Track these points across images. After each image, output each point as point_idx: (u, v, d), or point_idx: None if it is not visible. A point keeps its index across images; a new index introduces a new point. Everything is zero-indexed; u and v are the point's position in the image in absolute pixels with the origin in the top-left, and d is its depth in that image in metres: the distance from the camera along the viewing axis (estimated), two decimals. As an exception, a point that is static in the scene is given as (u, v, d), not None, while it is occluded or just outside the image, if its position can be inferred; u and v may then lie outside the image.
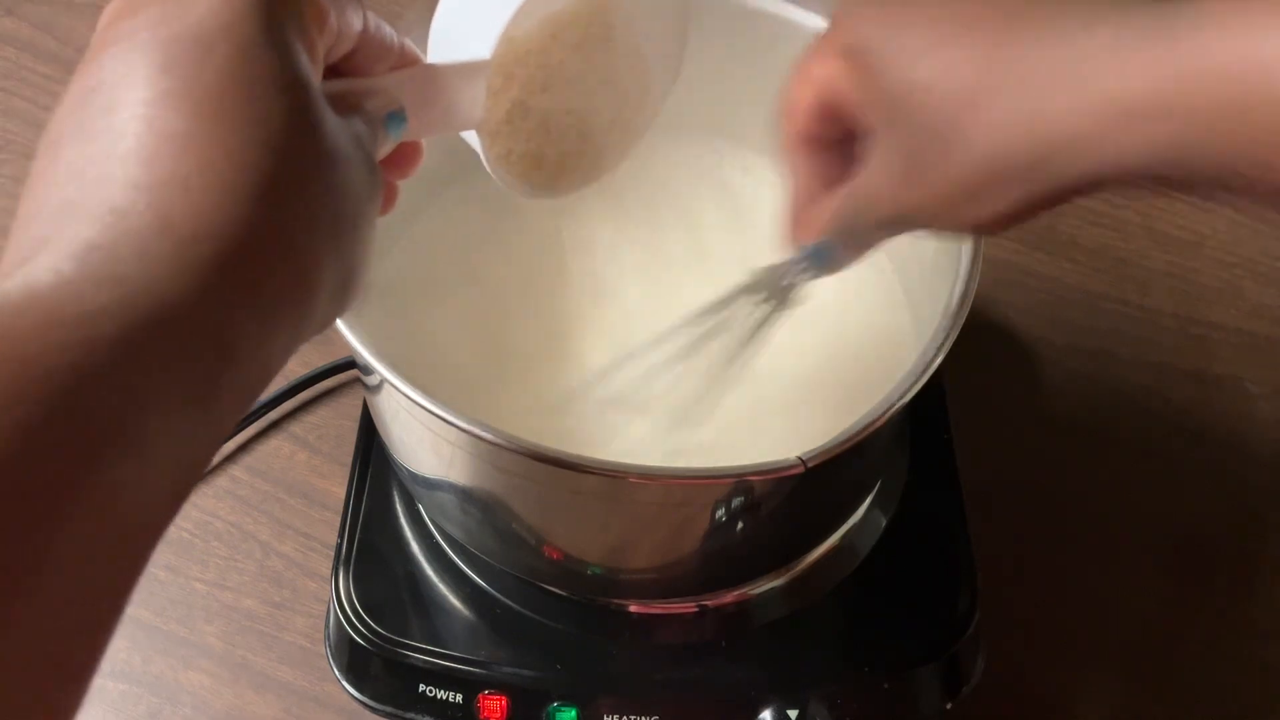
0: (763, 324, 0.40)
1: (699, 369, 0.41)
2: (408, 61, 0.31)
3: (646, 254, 0.53)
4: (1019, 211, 0.29)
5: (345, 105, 0.27)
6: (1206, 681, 0.53)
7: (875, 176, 0.32)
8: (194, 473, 0.22)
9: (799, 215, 0.36)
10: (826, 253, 0.36)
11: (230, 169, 0.22)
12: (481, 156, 0.37)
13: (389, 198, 0.32)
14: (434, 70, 0.33)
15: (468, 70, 0.34)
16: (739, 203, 0.55)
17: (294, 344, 0.24)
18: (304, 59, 0.25)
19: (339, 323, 0.37)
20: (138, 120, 0.22)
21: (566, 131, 0.40)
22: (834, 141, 0.34)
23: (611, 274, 0.52)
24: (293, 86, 0.24)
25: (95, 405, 0.19)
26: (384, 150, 0.29)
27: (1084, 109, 0.26)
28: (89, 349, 0.19)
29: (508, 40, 0.35)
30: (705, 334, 0.41)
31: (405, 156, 0.33)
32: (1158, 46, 0.25)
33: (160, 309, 0.20)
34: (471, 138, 0.37)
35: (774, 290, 0.39)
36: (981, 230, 0.31)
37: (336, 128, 0.25)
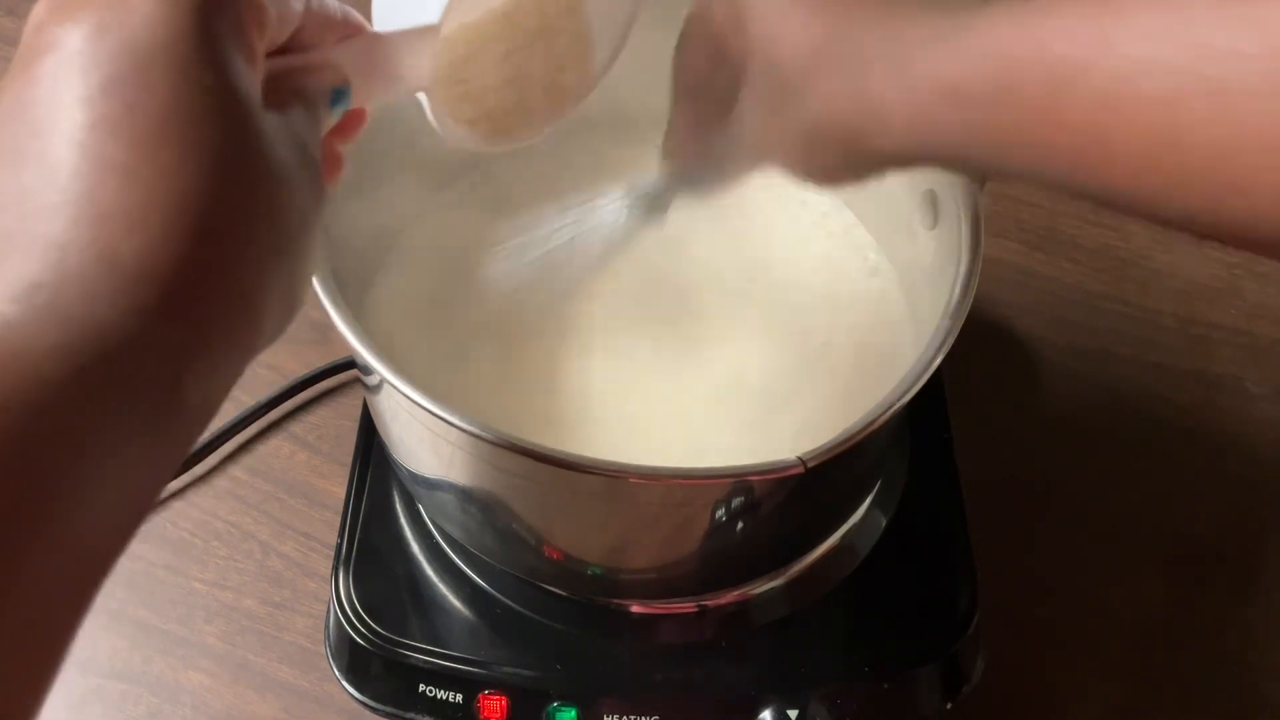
0: (628, 224, 0.44)
1: (578, 255, 0.45)
2: (353, 31, 0.30)
3: (646, 252, 0.53)
4: (844, 170, 0.34)
5: (286, 90, 0.26)
6: (1206, 682, 0.53)
7: (744, 115, 0.35)
8: (144, 506, 0.22)
9: (676, 141, 0.40)
10: (695, 177, 0.41)
11: (174, 203, 0.21)
12: (428, 113, 0.38)
13: (333, 168, 0.32)
14: (379, 39, 0.32)
15: (414, 36, 0.34)
16: (737, 204, 0.54)
17: (242, 366, 0.24)
18: (243, 72, 0.24)
19: (339, 323, 0.37)
20: (76, 148, 0.21)
21: (503, 95, 0.42)
22: (715, 84, 0.37)
23: (612, 274, 0.52)
24: (233, 108, 0.23)
25: (46, 450, 0.19)
26: (326, 127, 0.29)
27: (893, 91, 0.30)
28: (38, 391, 0.19)
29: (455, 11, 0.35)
30: (583, 226, 0.45)
31: (349, 123, 0.32)
32: (960, 37, 0.28)
33: (108, 351, 0.20)
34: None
35: (648, 198, 0.43)
36: (822, 180, 0.35)
37: (277, 137, 0.25)
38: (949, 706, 0.47)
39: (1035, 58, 0.26)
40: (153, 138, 0.21)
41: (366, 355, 0.37)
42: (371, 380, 0.42)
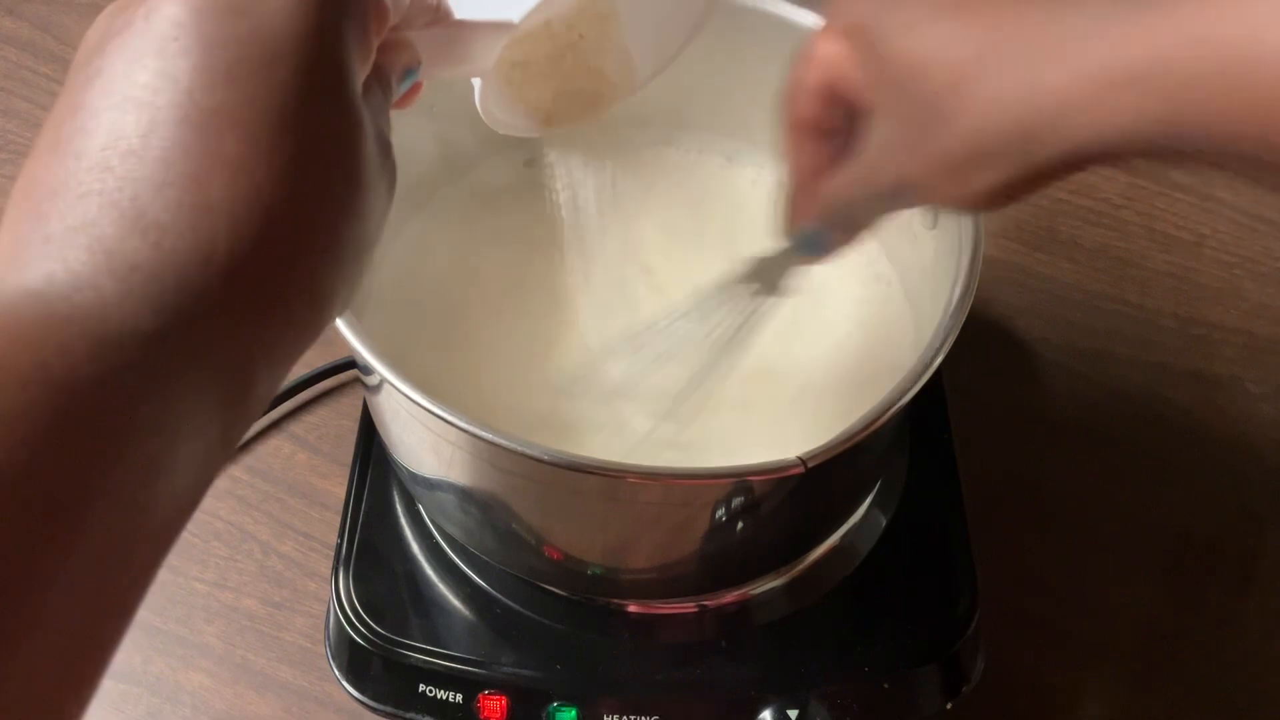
0: (755, 314, 0.40)
1: (693, 360, 0.42)
2: (442, 19, 0.31)
3: (647, 252, 0.53)
4: (1013, 184, 0.30)
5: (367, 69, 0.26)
6: (1206, 681, 0.53)
7: (875, 151, 0.32)
8: (207, 484, 0.22)
9: (795, 201, 0.37)
10: (819, 238, 0.37)
11: (279, 205, 0.21)
12: (477, 96, 0.39)
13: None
14: (461, 26, 0.33)
15: (492, 28, 0.35)
16: (748, 209, 0.55)
17: (305, 349, 0.24)
18: (359, 74, 0.24)
19: (339, 323, 0.37)
20: (192, 130, 0.21)
21: (546, 88, 0.43)
22: (832, 129, 0.35)
23: (611, 273, 0.52)
24: (349, 115, 0.23)
25: (130, 425, 0.19)
26: (390, 102, 0.29)
27: (1073, 80, 0.27)
28: (126, 372, 0.19)
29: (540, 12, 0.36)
30: (699, 325, 0.41)
31: (406, 96, 0.31)
32: (1144, 19, 0.26)
33: (193, 342, 0.20)
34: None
35: (766, 279, 0.39)
36: (978, 204, 0.31)
37: (370, 139, 0.24)
38: (949, 706, 0.47)
39: (1244, 35, 0.24)
40: (269, 137, 0.21)
41: (366, 355, 0.37)
42: (371, 380, 0.42)
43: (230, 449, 0.22)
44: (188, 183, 0.20)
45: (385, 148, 0.26)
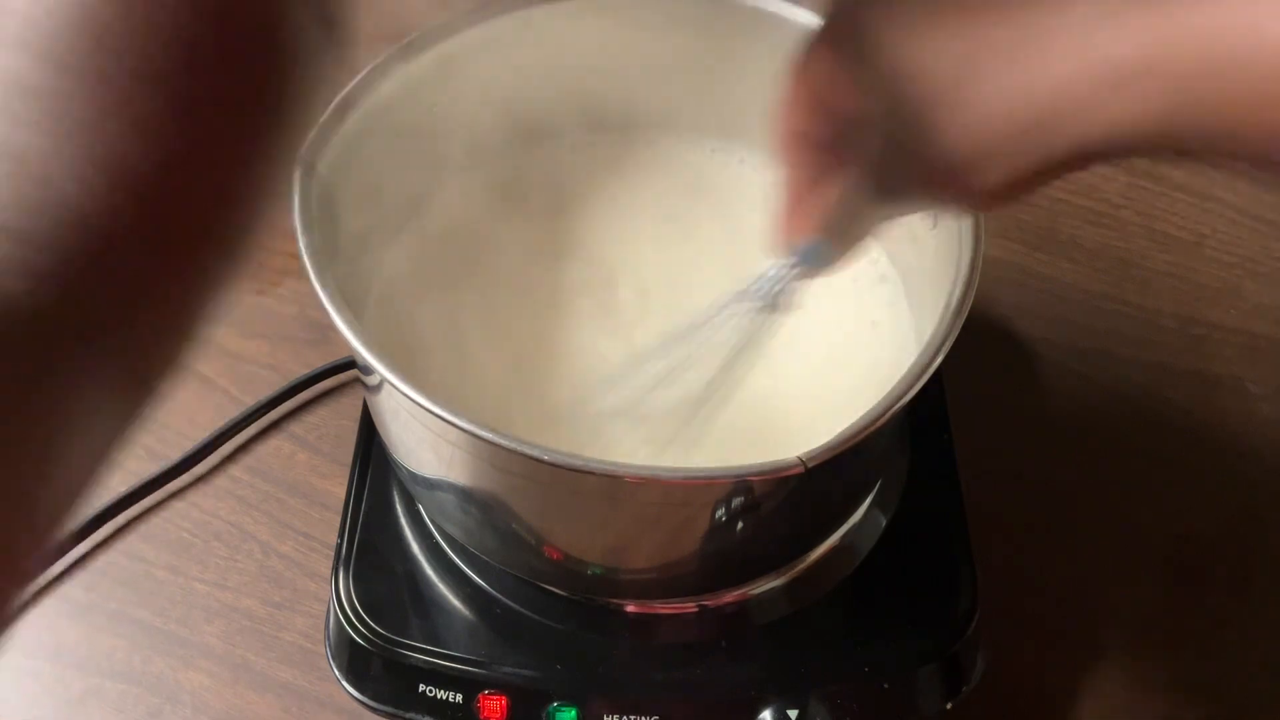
0: (757, 331, 0.40)
1: (696, 379, 0.41)
2: None
3: (648, 254, 0.53)
4: (1015, 184, 0.29)
5: None
6: (1206, 681, 0.53)
7: (873, 159, 0.32)
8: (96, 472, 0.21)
9: (791, 215, 0.36)
10: (818, 251, 0.36)
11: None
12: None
13: None
14: None
15: None
16: (741, 206, 0.55)
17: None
18: None
19: (339, 323, 0.37)
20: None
21: None
22: (826, 142, 0.34)
23: (612, 276, 0.52)
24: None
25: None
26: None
27: (1073, 75, 0.26)
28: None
29: None
30: (701, 343, 0.41)
31: None
32: (1144, 10, 0.25)
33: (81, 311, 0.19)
34: None
35: (767, 296, 0.39)
36: (980, 206, 0.31)
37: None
38: (949, 706, 0.47)
39: (1245, 27, 0.24)
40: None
41: (366, 355, 0.36)
42: (371, 380, 0.42)
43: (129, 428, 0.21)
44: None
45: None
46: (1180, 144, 0.26)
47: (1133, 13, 0.25)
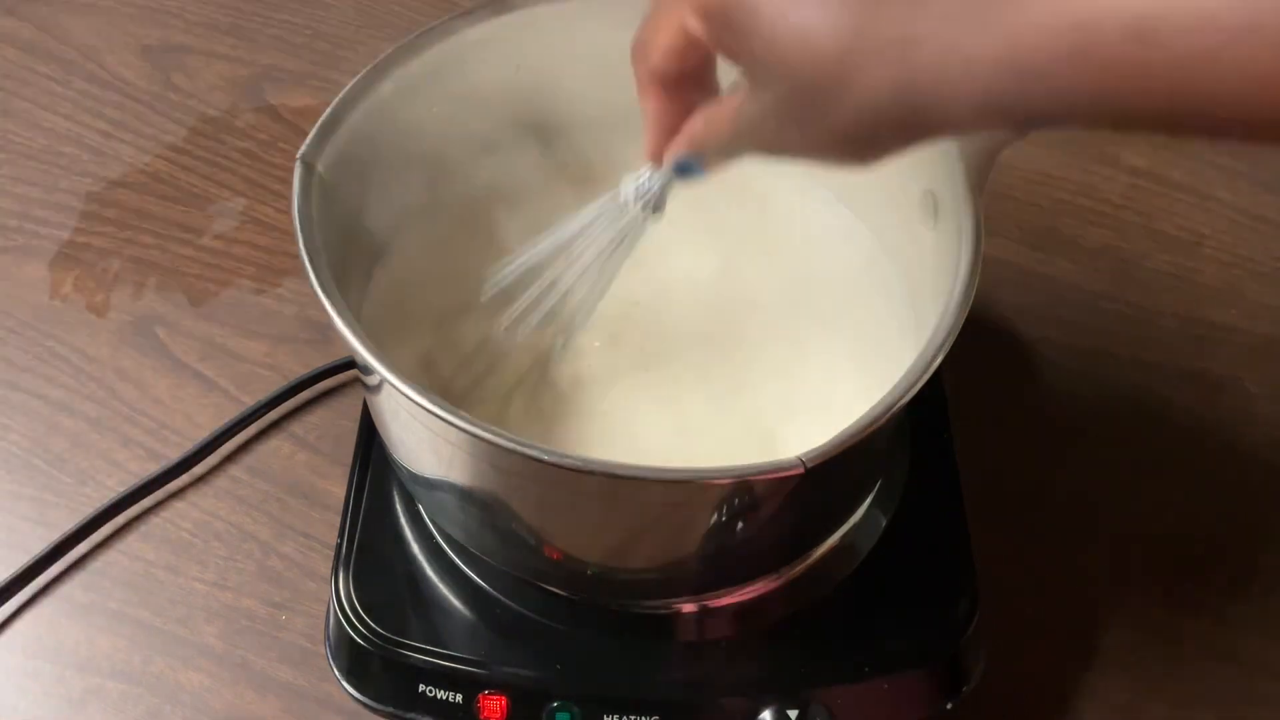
0: (631, 234, 0.42)
1: (579, 276, 0.43)
2: None
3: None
4: (898, 151, 0.31)
5: None
6: (1205, 681, 0.53)
7: (754, 117, 0.33)
8: None
9: (663, 133, 0.38)
10: (692, 164, 0.38)
11: None
12: None
13: None
14: None
15: None
16: (748, 201, 0.54)
17: None
18: None
19: (339, 323, 0.37)
20: None
21: None
22: (691, 77, 0.35)
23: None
24: None
25: None
26: None
27: (945, 65, 0.28)
28: None
29: None
30: (583, 242, 0.43)
31: None
32: (998, 7, 0.27)
33: None
34: None
35: (645, 199, 0.41)
36: (856, 166, 0.32)
37: None
38: (949, 706, 0.47)
39: (1109, 13, 0.25)
40: None
41: (366, 355, 0.36)
42: (371, 380, 0.42)
43: None
44: None
45: None
46: (1045, 122, 0.28)
47: (999, 7, 0.27)
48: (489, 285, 0.45)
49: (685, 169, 0.38)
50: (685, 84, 0.36)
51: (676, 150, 0.38)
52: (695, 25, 0.32)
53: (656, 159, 0.39)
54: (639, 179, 0.41)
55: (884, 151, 0.31)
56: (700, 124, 0.36)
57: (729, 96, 0.35)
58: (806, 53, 0.29)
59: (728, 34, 0.31)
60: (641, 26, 0.35)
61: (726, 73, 0.35)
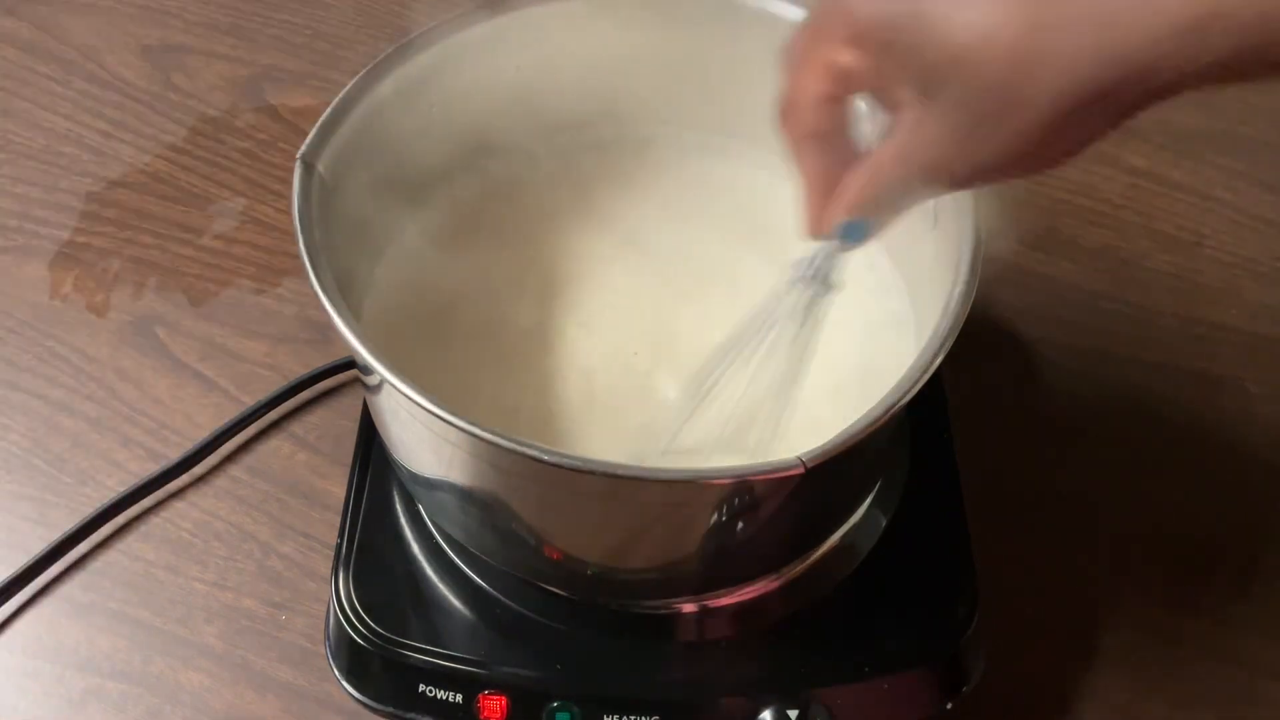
0: (811, 316, 0.40)
1: (763, 384, 0.41)
2: None
3: (654, 244, 0.53)
4: (1096, 139, 0.29)
5: None
6: (1206, 681, 0.53)
7: (931, 142, 0.31)
8: None
9: (821, 201, 0.36)
10: (861, 228, 0.36)
11: None
12: None
13: None
14: None
15: None
16: (756, 201, 0.54)
17: None
18: None
19: (339, 323, 0.37)
20: None
21: None
22: (840, 131, 0.34)
23: (611, 264, 0.52)
24: None
25: None
26: None
27: (1146, 31, 0.26)
28: None
29: None
30: (758, 346, 0.40)
31: None
32: None
33: None
34: None
35: (816, 276, 0.39)
36: (1054, 166, 0.30)
37: None
38: (949, 706, 0.47)
39: None
40: None
41: (366, 355, 0.36)
42: (371, 380, 0.42)
43: None
44: None
45: None
46: (1255, 72, 0.27)
47: None
48: (686, 395, 0.43)
49: (851, 234, 0.36)
50: (837, 142, 0.34)
51: (840, 216, 0.35)
52: (849, 58, 0.31)
53: (819, 230, 0.37)
54: (803, 261, 0.38)
55: (1082, 140, 0.29)
56: (863, 179, 0.34)
57: (884, 143, 0.33)
58: (989, 47, 0.27)
59: (890, 55, 0.30)
60: (785, 88, 0.33)
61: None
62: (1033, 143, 0.29)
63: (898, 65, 0.30)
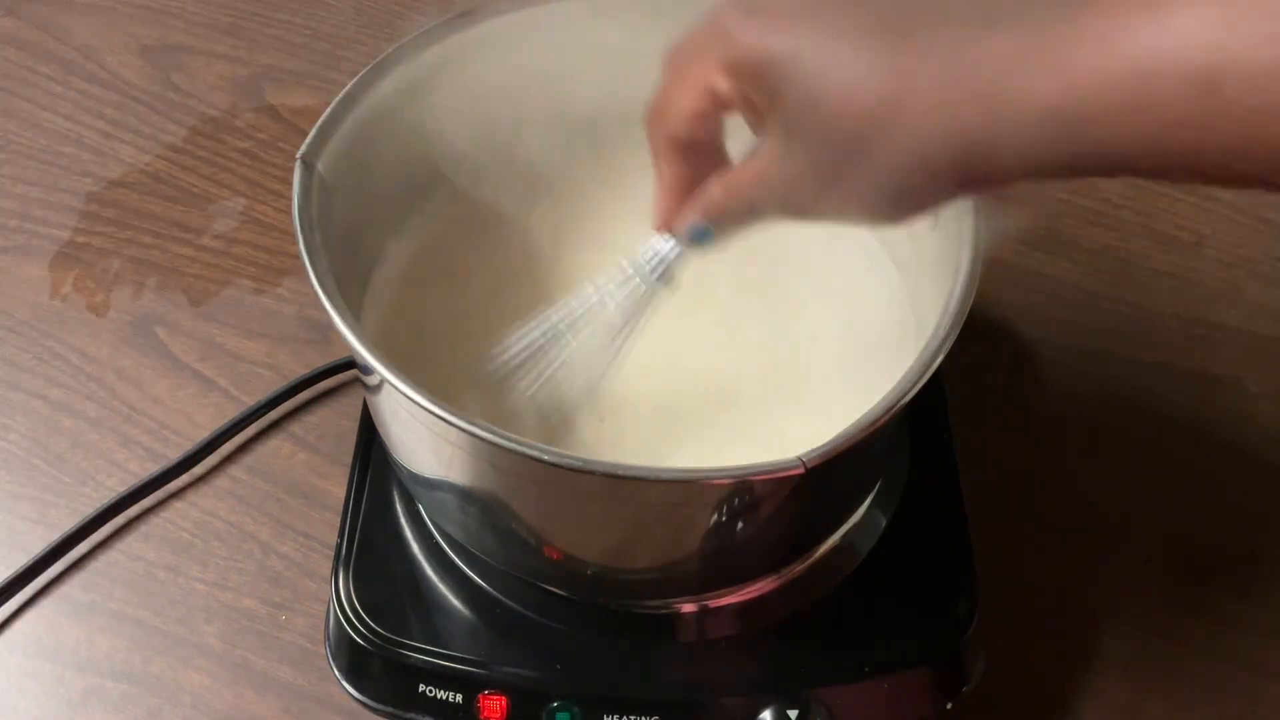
0: (640, 310, 0.41)
1: (584, 348, 0.42)
2: None
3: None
4: (945, 202, 0.30)
5: None
6: (1206, 681, 0.53)
7: (788, 175, 0.32)
8: None
9: (673, 203, 0.36)
10: (705, 234, 0.37)
11: None
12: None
13: None
14: None
15: None
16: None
17: None
18: None
19: (339, 323, 0.37)
20: None
21: None
22: (707, 146, 0.34)
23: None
24: None
25: None
26: None
27: (996, 112, 0.27)
28: None
29: None
30: (591, 314, 0.41)
31: None
32: (1049, 52, 0.26)
33: None
34: None
35: (655, 271, 0.39)
36: (901, 223, 0.31)
37: None
38: (949, 706, 0.47)
39: (1171, 63, 0.24)
40: None
41: (366, 355, 0.36)
42: (371, 380, 0.42)
43: None
44: None
45: None
46: (1101, 169, 0.27)
47: (1036, 54, 0.26)
48: (493, 359, 0.43)
49: (698, 237, 0.37)
50: (701, 151, 0.35)
51: (691, 219, 0.36)
52: (722, 84, 0.31)
53: (668, 228, 0.38)
54: (649, 251, 0.39)
55: (924, 205, 0.30)
56: (718, 190, 0.35)
57: (746, 161, 0.34)
58: (849, 102, 0.28)
59: (761, 89, 0.30)
60: (658, 92, 0.34)
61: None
62: (873, 200, 0.30)
63: (766, 99, 0.30)
